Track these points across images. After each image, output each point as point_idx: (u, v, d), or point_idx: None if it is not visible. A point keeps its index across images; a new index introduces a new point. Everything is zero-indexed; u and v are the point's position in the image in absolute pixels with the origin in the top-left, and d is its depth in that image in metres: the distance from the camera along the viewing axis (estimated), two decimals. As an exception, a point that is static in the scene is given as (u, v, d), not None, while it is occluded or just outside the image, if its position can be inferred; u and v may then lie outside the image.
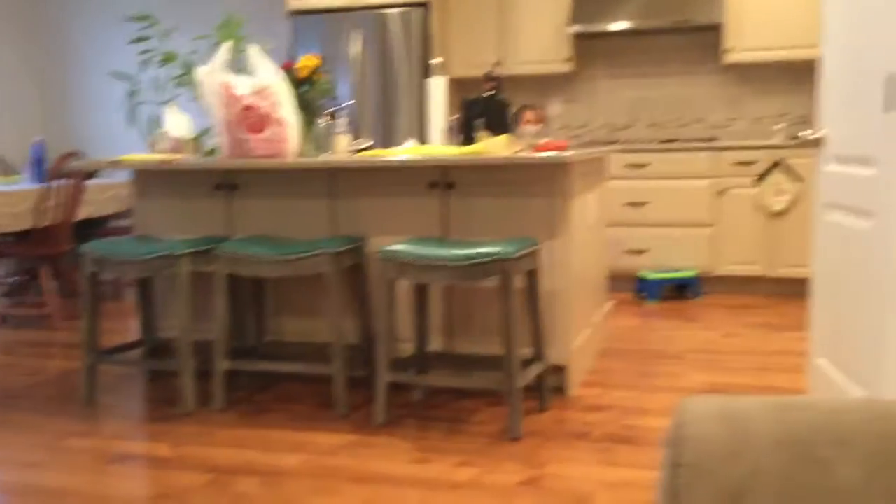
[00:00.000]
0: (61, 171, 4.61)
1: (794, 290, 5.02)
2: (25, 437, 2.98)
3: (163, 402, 3.35)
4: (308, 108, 3.64)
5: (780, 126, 5.40)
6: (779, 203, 4.94)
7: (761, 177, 4.93)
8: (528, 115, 4.31)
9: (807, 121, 5.48)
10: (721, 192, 5.12)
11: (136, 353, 3.65)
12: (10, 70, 6.58)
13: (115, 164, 3.48)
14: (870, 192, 2.22)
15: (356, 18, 5.53)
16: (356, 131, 5.47)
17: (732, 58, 5.32)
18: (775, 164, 4.87)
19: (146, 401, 3.41)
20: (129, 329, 4.60)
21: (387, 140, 5.53)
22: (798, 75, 5.45)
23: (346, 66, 5.56)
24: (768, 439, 0.83)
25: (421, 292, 3.20)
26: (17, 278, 5.39)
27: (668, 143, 5.25)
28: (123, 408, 3.31)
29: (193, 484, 2.54)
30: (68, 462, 2.75)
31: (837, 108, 2.58)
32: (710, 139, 5.43)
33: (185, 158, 3.53)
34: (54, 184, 4.63)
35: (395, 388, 3.33)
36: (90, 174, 5.03)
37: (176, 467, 2.67)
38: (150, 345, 3.66)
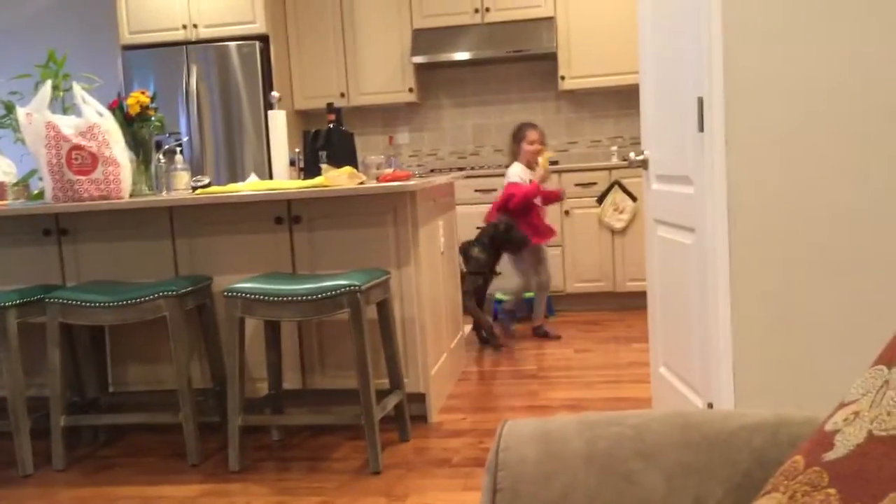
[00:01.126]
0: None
1: (639, 303, 5.27)
2: None
3: (-6, 468, 3.10)
4: (141, 146, 3.51)
5: (615, 148, 5.68)
6: (619, 221, 5.18)
7: (601, 197, 5.18)
8: (532, 134, 4.64)
9: (639, 142, 5.80)
10: (567, 213, 5.31)
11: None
12: None
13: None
14: (690, 209, 2.37)
15: (192, 52, 5.40)
16: (197, 168, 5.31)
17: (567, 84, 5.56)
18: (613, 185, 5.13)
19: (-26, 468, 3.14)
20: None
21: (231, 176, 5.40)
22: (628, 99, 5.77)
23: (183, 100, 5.40)
24: (579, 457, 0.86)
25: (272, 329, 3.13)
26: None
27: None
28: (-52, 478, 3.03)
29: (29, 554, 2.35)
30: None
31: (656, 131, 2.74)
32: (553, 162, 5.64)
33: (9, 204, 3.31)
34: None
35: (252, 431, 3.23)
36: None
37: (9, 538, 2.47)
38: (-24, 406, 3.38)
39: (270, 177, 4.80)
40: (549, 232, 4.71)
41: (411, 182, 3.11)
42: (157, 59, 5.43)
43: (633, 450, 0.85)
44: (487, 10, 5.57)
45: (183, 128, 5.38)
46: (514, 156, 4.76)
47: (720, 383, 2.16)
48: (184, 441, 3.02)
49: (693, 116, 2.24)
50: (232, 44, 5.38)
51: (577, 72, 5.53)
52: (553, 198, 4.80)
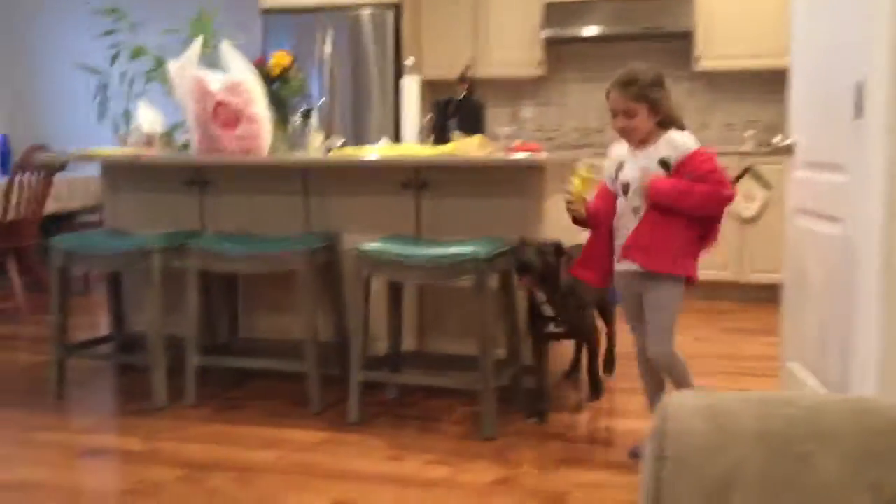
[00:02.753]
0: (27, 164, 4.53)
1: (765, 295, 5.10)
2: (-9, 432, 2.94)
3: (134, 397, 3.32)
4: (280, 106, 3.63)
5: (750, 133, 5.49)
6: (749, 209, 5.02)
7: (732, 183, 5.00)
8: None
9: (776, 128, 5.58)
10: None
11: (106, 348, 3.61)
12: (-26, 62, 6.46)
13: (87, 157, 3.44)
14: (838, 198, 2.28)
15: (327, 18, 5.52)
16: (328, 130, 5.45)
17: (703, 65, 5.40)
18: (746, 171, 4.93)
19: (117, 395, 3.37)
20: (98, 324, 4.53)
21: (358, 139, 5.51)
22: (768, 83, 5.55)
23: (317, 65, 5.54)
24: (751, 434, 0.85)
25: (395, 291, 3.21)
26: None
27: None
28: (93, 402, 3.28)
29: (166, 478, 2.52)
30: (38, 456, 2.71)
31: (807, 115, 2.64)
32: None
33: (157, 153, 3.50)
34: (20, 177, 4.55)
35: (369, 387, 3.32)
36: (60, 168, 4.95)
37: (148, 462, 2.65)
38: (120, 340, 3.62)
39: (396, 142, 4.88)
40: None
41: (542, 155, 3.11)
42: (293, 25, 5.59)
43: (807, 431, 0.84)
44: (623, -15, 5.46)
45: (315, 91, 5.52)
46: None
47: (863, 382, 2.08)
48: (306, 390, 3.15)
49: (849, 102, 2.15)
50: (365, 11, 5.48)
51: (714, 52, 5.36)
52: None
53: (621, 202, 2.57)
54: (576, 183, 2.59)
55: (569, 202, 2.61)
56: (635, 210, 2.52)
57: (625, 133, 2.53)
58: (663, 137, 2.49)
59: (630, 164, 2.55)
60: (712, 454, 0.86)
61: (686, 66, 5.66)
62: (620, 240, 2.57)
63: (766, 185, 4.65)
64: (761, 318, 4.71)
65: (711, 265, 5.17)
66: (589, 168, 2.70)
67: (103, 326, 4.41)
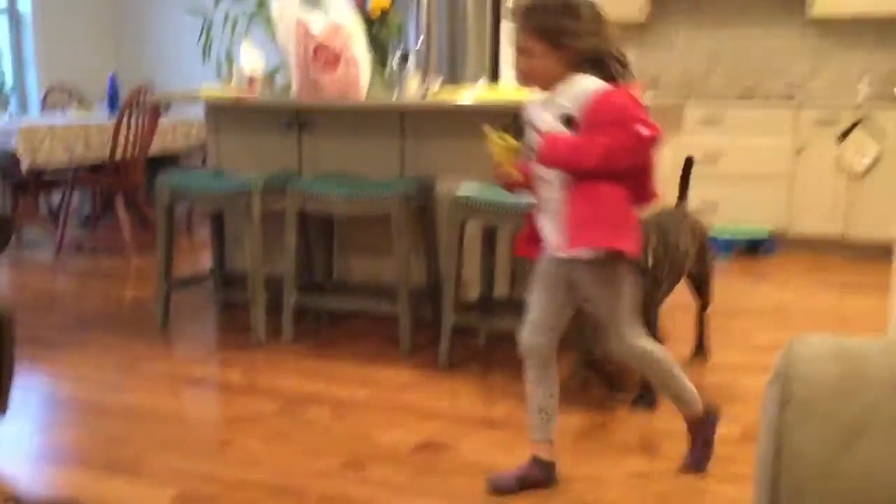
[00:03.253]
0: (136, 103, 4.69)
1: (873, 252, 4.87)
2: (104, 358, 3.10)
3: (234, 332, 3.44)
4: (379, 48, 3.63)
5: (863, 83, 5.18)
6: (860, 163, 4.77)
7: (843, 135, 4.75)
8: None
9: (893, 77, 5.25)
10: (799, 150, 4.96)
11: (208, 284, 3.74)
12: (84, 4, 6.68)
13: (194, 98, 3.52)
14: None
15: (429, -41, 5.45)
16: (424, 71, 5.42)
17: (817, 11, 5.10)
18: (858, 123, 4.66)
19: (218, 329, 3.50)
20: (201, 262, 4.70)
21: (454, 80, 5.47)
22: (884, 30, 5.21)
23: (414, 7, 5.50)
24: (883, 381, 0.81)
25: (489, 237, 3.19)
26: (92, 210, 5.54)
27: (746, 97, 5.10)
28: (195, 335, 3.41)
29: (266, 410, 2.61)
30: (144, 383, 2.85)
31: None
32: (790, 94, 5.25)
33: (259, 95, 3.56)
34: (128, 118, 4.71)
35: (459, 332, 3.34)
36: (165, 108, 5.11)
37: (248, 393, 2.75)
38: (221, 277, 3.74)
39: (494, 83, 4.81)
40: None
41: (645, 99, 3.00)
42: (393, -34, 5.54)
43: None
44: (737, -76, 5.18)
45: (411, 34, 5.49)
46: None
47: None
48: (397, 332, 3.19)
49: None
50: (465, -49, 5.38)
51: (829, -3, 5.05)
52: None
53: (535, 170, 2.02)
54: (494, 151, 2.09)
55: (495, 168, 2.13)
56: (546, 181, 2.01)
57: (523, 78, 2.03)
58: (565, 84, 1.95)
59: (537, 121, 2.01)
60: (843, 398, 0.82)
61: (799, 13, 5.36)
62: (540, 220, 2.08)
63: (880, 137, 4.37)
64: (868, 275, 4.50)
65: (817, 220, 4.97)
66: (501, 133, 2.08)
67: (205, 264, 4.58)
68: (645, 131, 1.90)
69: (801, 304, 3.95)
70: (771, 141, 5.03)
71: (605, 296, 2.02)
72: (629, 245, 1.94)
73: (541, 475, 2.11)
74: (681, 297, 2.99)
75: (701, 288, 3.02)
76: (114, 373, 2.95)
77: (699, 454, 2.19)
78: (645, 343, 2.08)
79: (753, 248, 5.08)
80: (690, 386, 2.16)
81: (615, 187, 1.92)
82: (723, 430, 2.44)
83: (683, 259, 2.69)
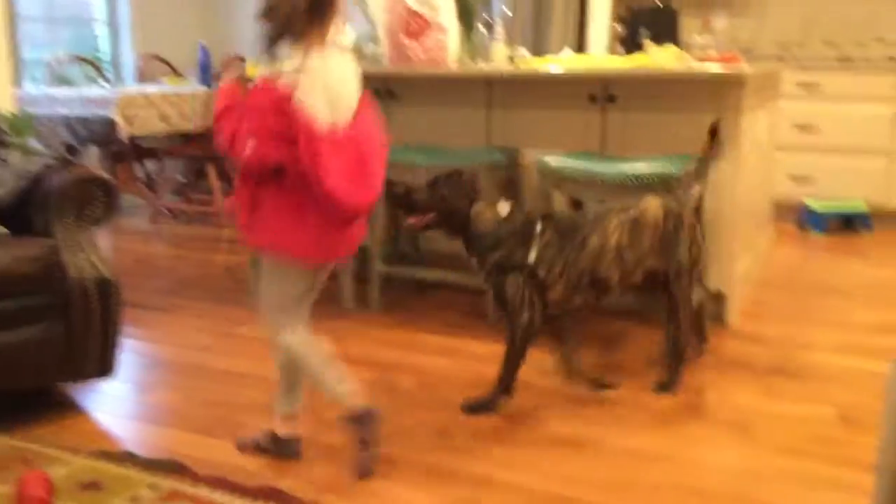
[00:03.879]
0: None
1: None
2: (199, 322, 3.20)
3: (323, 300, 3.47)
4: (466, 16, 3.59)
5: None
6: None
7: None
8: None
9: None
10: None
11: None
12: (177, -24, 6.82)
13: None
14: None
15: (515, -76, 5.36)
16: (510, 40, 5.36)
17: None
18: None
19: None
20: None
21: (538, 49, 5.39)
22: None
23: (501, -25, 5.42)
24: None
25: (576, 208, 3.15)
26: (185, 177, 5.71)
27: (845, 63, 4.86)
28: (285, 303, 3.49)
29: (359, 378, 2.65)
30: (239, 348, 2.94)
31: None
32: (892, 58, 4.98)
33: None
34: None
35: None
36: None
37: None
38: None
39: (580, 52, 4.73)
40: None
41: (742, 67, 2.91)
42: (479, -69, 5.47)
43: None
44: None
45: (495, 2, 5.42)
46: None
47: None
48: (482, 303, 3.19)
49: None
50: (553, -84, 5.26)
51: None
52: None
53: None
54: None
55: None
56: None
57: None
58: None
59: None
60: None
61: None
62: None
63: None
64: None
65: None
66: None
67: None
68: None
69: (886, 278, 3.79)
70: (870, 109, 4.80)
71: (262, 285, 2.05)
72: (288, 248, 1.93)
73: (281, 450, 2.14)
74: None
75: (670, 289, 2.52)
76: (209, 337, 3.05)
77: (361, 457, 2.06)
78: (290, 341, 2.07)
79: (850, 224, 4.88)
80: (343, 388, 2.07)
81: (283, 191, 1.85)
82: (817, 412, 2.38)
83: (599, 261, 2.36)
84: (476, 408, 2.41)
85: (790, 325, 3.19)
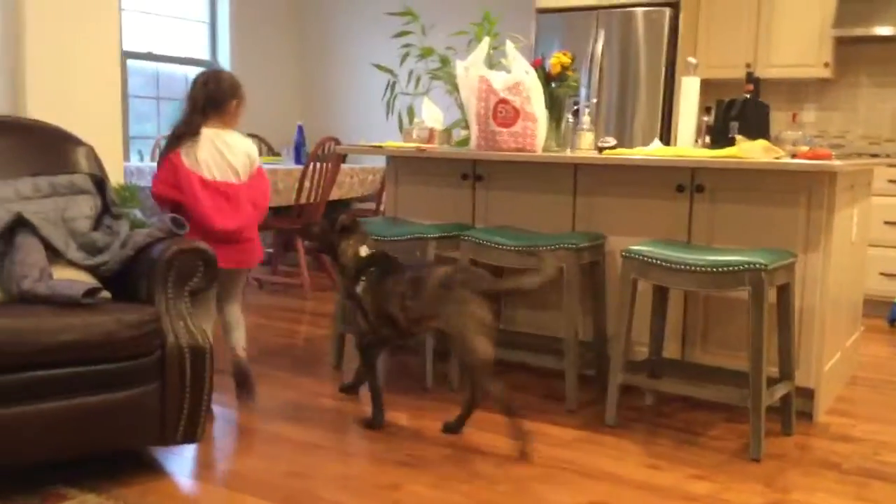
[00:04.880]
0: (321, 154, 4.98)
1: None
2: (280, 392, 3.27)
3: (403, 376, 3.54)
4: (555, 105, 3.68)
5: None
6: None
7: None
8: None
9: None
10: None
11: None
12: (275, 60, 7.20)
13: (379, 151, 3.71)
14: None
15: (600, 17, 5.50)
16: (597, 129, 5.44)
17: None
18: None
19: (387, 372, 3.61)
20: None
21: (621, 139, 5.45)
22: None
23: (586, 65, 5.55)
24: None
25: (661, 296, 3.14)
26: (272, 250, 5.89)
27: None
28: (365, 377, 3.53)
29: (433, 455, 2.66)
30: (319, 419, 2.98)
31: None
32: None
33: (438, 148, 3.69)
34: (313, 165, 5.01)
35: (625, 391, 3.28)
36: (343, 158, 5.38)
37: (415, 437, 2.82)
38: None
39: (667, 143, 4.76)
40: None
41: (834, 163, 2.89)
42: (567, 23, 5.63)
43: None
44: (937, -22, 4.90)
45: (583, 90, 5.53)
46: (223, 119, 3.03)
47: None
48: (561, 386, 3.17)
49: None
50: (639, 9, 5.38)
51: None
52: None
53: None
54: None
55: None
56: None
57: None
58: None
59: None
60: None
61: None
62: None
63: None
64: None
65: None
66: None
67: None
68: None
69: None
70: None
71: None
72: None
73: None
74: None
75: (457, 353, 2.88)
76: (290, 407, 3.10)
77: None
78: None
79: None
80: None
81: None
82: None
83: (388, 302, 2.81)
84: (367, 424, 2.92)
85: (879, 424, 3.07)
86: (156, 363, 2.36)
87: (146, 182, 4.92)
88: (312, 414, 3.04)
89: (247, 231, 2.99)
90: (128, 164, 5.12)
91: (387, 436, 2.83)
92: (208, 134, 2.94)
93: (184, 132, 2.93)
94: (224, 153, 2.95)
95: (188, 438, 2.48)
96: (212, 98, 2.96)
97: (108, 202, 2.76)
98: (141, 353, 2.34)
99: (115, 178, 3.32)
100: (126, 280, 2.55)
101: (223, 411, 3.03)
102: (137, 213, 2.92)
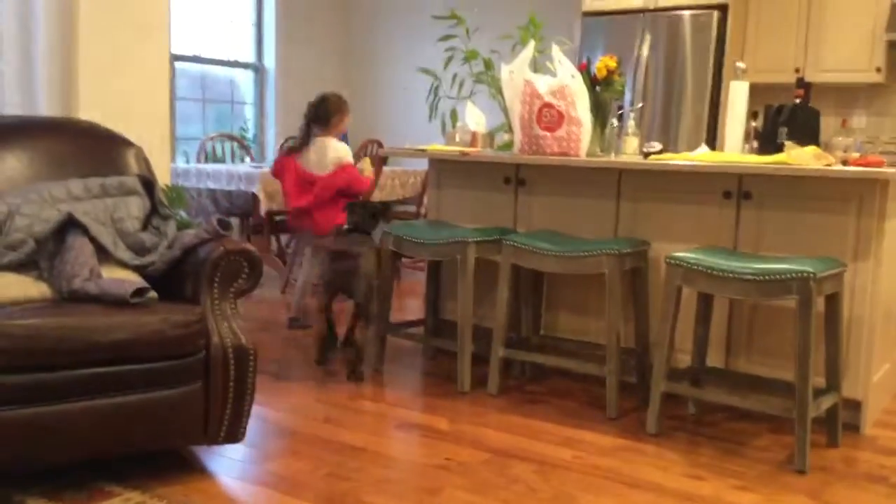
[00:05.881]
0: (365, 154, 5.01)
1: None
2: (323, 394, 3.29)
3: (440, 379, 3.54)
4: (600, 109, 3.65)
5: None
6: None
7: None
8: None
9: None
10: None
11: (419, 330, 3.89)
12: (320, 62, 7.26)
13: (421, 154, 3.72)
14: None
15: (646, 20, 5.45)
16: (642, 134, 5.39)
17: None
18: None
19: (425, 375, 3.62)
20: (407, 308, 4.91)
21: (667, 144, 5.39)
22: None
23: (633, 68, 5.50)
24: None
25: (705, 303, 3.09)
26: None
27: None
28: (406, 379, 3.55)
29: (471, 460, 2.65)
30: (360, 422, 2.99)
31: None
32: None
33: (481, 152, 3.69)
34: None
35: (667, 399, 3.25)
36: (384, 160, 5.41)
37: (454, 441, 2.82)
38: (433, 324, 3.88)
39: (713, 149, 4.69)
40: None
41: (886, 170, 2.82)
42: (613, 27, 5.59)
43: None
44: None
45: (628, 94, 5.49)
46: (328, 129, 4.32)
47: None
48: (602, 393, 3.15)
49: None
50: (687, 13, 5.33)
51: None
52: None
53: None
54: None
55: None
56: None
57: None
58: None
59: None
60: None
61: None
62: None
63: None
64: None
65: None
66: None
67: (412, 311, 4.78)
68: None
69: None
70: None
71: None
72: None
73: None
74: None
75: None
76: (331, 409, 3.12)
77: None
78: None
79: None
80: None
81: None
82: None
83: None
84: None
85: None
86: (201, 363, 2.40)
87: (191, 183, 5.01)
88: (352, 416, 3.06)
89: (314, 209, 4.25)
90: (174, 165, 5.22)
91: (426, 439, 2.84)
92: (315, 140, 4.24)
93: (297, 145, 4.31)
94: (321, 154, 4.23)
95: (231, 438, 2.51)
96: (318, 116, 4.25)
97: (157, 203, 2.81)
98: (187, 353, 2.37)
99: (163, 179, 3.38)
100: (173, 280, 2.59)
101: (264, 411, 3.06)
102: (183, 214, 2.97)
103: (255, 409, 3.01)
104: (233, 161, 6.09)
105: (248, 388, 2.47)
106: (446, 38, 4.04)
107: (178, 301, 2.50)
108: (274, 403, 3.14)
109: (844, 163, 3.00)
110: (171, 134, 5.42)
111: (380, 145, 5.14)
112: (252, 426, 2.83)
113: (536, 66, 3.76)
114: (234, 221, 5.46)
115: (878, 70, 5.17)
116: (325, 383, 3.43)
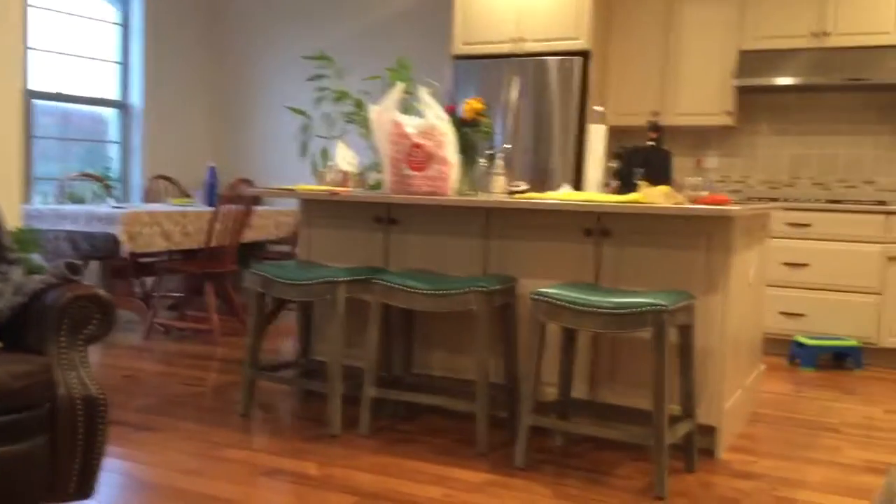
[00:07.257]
0: (233, 196, 4.91)
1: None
2: (185, 444, 3.16)
3: (312, 422, 3.48)
4: (468, 150, 3.73)
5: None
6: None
7: None
8: None
9: None
10: (892, 259, 4.81)
11: (291, 373, 3.81)
12: (188, 100, 7.11)
13: (290, 193, 3.68)
14: None
15: (515, 65, 5.63)
16: (510, 174, 5.53)
17: (910, 118, 5.03)
18: None
19: (297, 418, 3.54)
20: (281, 349, 4.81)
21: (536, 185, 5.55)
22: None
23: (501, 111, 5.66)
24: None
25: (569, 337, 3.18)
26: (181, 294, 5.75)
27: (835, 204, 5.01)
28: (276, 423, 3.46)
29: (339, 505, 2.61)
30: (224, 471, 2.89)
31: None
32: (881, 202, 5.13)
33: (352, 191, 3.69)
34: (225, 208, 4.93)
35: (536, 432, 3.30)
36: (256, 200, 5.32)
37: (322, 486, 2.76)
38: (305, 366, 3.81)
39: (577, 189, 4.87)
40: None
41: (732, 207, 3.00)
42: (483, 70, 5.74)
43: None
44: (827, 34, 5.20)
45: (498, 136, 5.63)
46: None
47: None
48: (473, 429, 3.17)
49: None
50: (552, 59, 5.54)
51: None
52: None
53: None
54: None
55: None
56: None
57: None
58: None
59: None
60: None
61: (892, 119, 5.30)
62: None
63: None
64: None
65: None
66: None
67: (285, 352, 4.68)
68: None
69: (890, 421, 3.76)
70: (859, 248, 4.91)
71: None
72: None
73: None
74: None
75: None
76: (194, 459, 3.00)
77: None
78: None
79: (840, 360, 4.90)
80: None
81: None
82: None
83: None
84: None
85: (779, 461, 3.15)
86: (45, 416, 2.25)
87: (48, 225, 4.77)
88: (218, 466, 2.95)
89: None
90: (29, 206, 4.95)
91: (294, 486, 2.77)
92: None
93: None
94: None
95: (81, 495, 2.37)
96: None
97: (2, 247, 2.65)
98: (30, 405, 2.23)
99: (13, 221, 3.20)
100: (18, 328, 2.43)
101: (121, 464, 2.91)
102: (37, 258, 2.81)
103: (112, 463, 2.86)
104: (94, 201, 5.85)
105: (98, 441, 2.34)
106: (316, 77, 4.04)
107: (24, 350, 2.35)
108: (133, 455, 2.99)
109: (693, 201, 3.17)
110: (25, 173, 5.15)
111: (249, 184, 5.06)
112: (107, 481, 2.69)
113: (407, 108, 3.81)
114: (95, 265, 5.23)
115: (729, 113, 5.52)
116: (190, 433, 3.30)
